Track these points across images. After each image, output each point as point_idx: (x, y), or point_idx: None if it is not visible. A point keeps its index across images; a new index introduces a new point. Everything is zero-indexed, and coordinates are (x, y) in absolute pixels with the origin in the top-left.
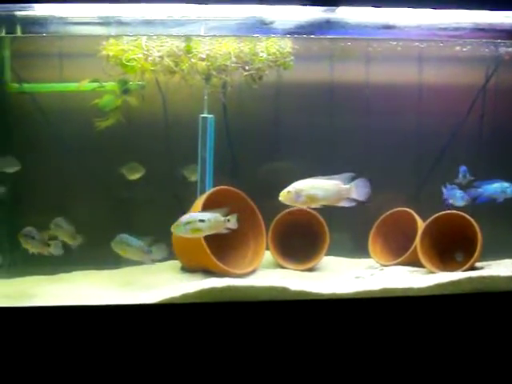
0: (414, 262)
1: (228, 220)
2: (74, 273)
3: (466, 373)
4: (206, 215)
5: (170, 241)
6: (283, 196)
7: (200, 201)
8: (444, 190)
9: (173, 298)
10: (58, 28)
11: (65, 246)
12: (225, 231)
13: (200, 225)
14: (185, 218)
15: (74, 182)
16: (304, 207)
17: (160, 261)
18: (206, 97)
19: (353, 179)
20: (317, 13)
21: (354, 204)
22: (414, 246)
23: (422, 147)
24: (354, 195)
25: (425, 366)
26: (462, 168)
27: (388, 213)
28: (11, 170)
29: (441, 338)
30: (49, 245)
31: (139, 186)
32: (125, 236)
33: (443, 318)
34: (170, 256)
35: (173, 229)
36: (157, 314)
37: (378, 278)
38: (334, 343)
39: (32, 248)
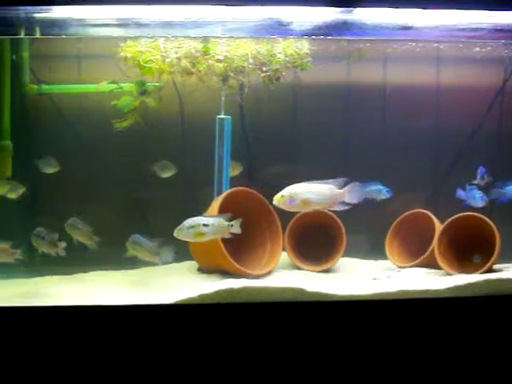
0: (432, 264)
1: (232, 225)
2: (91, 273)
3: (484, 375)
4: (210, 220)
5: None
6: (277, 200)
7: (217, 202)
8: (460, 191)
9: (190, 298)
10: (77, 30)
11: (82, 245)
12: (228, 236)
13: (203, 229)
14: (188, 221)
15: (92, 182)
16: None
17: (175, 262)
18: (223, 98)
19: (345, 183)
20: (334, 14)
21: (346, 207)
22: (431, 247)
23: (440, 148)
24: (348, 199)
25: (442, 368)
26: (481, 169)
27: (405, 214)
28: (51, 170)
29: (458, 340)
30: (57, 245)
31: (157, 186)
32: (137, 236)
33: (460, 321)
34: (183, 257)
35: (175, 232)
36: (174, 315)
37: (395, 280)
38: (350, 345)
39: (42, 248)
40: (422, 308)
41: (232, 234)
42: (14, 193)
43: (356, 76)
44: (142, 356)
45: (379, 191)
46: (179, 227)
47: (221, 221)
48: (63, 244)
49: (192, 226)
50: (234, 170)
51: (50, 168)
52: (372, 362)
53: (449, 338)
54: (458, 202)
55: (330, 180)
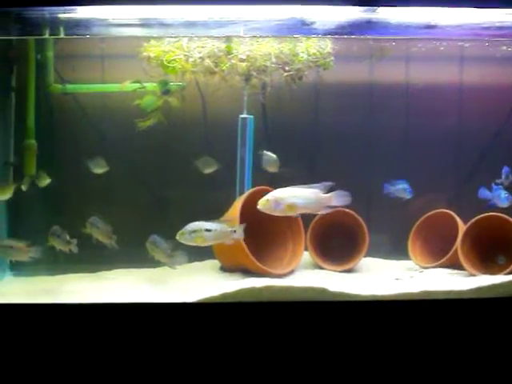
0: (455, 265)
1: (234, 231)
2: (114, 271)
3: (509, 377)
4: (213, 225)
5: None
6: (262, 204)
7: (239, 201)
8: (484, 191)
9: (212, 297)
10: (100, 30)
11: (102, 244)
12: (230, 242)
13: (206, 234)
14: (191, 226)
15: (116, 181)
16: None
17: (198, 260)
18: (245, 97)
19: (331, 189)
20: (357, 13)
21: (330, 210)
22: (454, 248)
23: (463, 148)
24: (334, 203)
25: (466, 370)
26: (505, 169)
27: (428, 214)
28: (100, 170)
29: (482, 342)
30: (70, 243)
31: (179, 185)
32: (155, 237)
33: (484, 322)
34: (205, 256)
35: (178, 236)
36: (196, 313)
37: (417, 281)
38: (373, 345)
39: (57, 245)
40: (445, 309)
41: (234, 239)
42: (41, 182)
43: (379, 75)
44: (164, 354)
45: (404, 190)
46: (181, 231)
47: (224, 226)
48: (75, 241)
49: (194, 231)
50: (273, 167)
51: (99, 168)
52: (395, 362)
53: (472, 340)
54: (481, 202)
55: (316, 184)
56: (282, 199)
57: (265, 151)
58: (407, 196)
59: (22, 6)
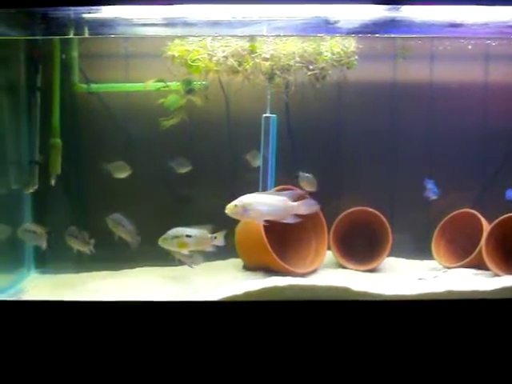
0: (479, 265)
1: (215, 237)
2: (137, 269)
3: None
4: (194, 231)
5: (229, 239)
6: (230, 209)
7: None
8: (510, 192)
9: (235, 295)
10: (125, 29)
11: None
12: (210, 248)
13: (186, 240)
14: (173, 231)
15: (139, 180)
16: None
17: (220, 259)
18: (268, 96)
19: (299, 197)
20: (381, 11)
21: (298, 220)
22: (478, 247)
23: (488, 147)
24: (301, 212)
25: (491, 370)
26: None
27: (453, 214)
28: (122, 175)
29: (506, 342)
30: (88, 243)
31: (203, 184)
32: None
33: (508, 322)
34: (228, 255)
35: (160, 241)
36: (219, 311)
37: (441, 280)
38: (396, 344)
39: (75, 246)
40: (469, 309)
41: (215, 245)
42: (122, 173)
43: (402, 74)
44: (187, 352)
45: (429, 190)
46: (164, 236)
47: (204, 232)
48: (93, 241)
49: (176, 237)
50: (310, 186)
51: (121, 173)
52: (419, 361)
53: (496, 341)
54: (506, 203)
55: (285, 192)
56: (250, 205)
57: (301, 172)
58: (433, 196)
59: (47, 6)
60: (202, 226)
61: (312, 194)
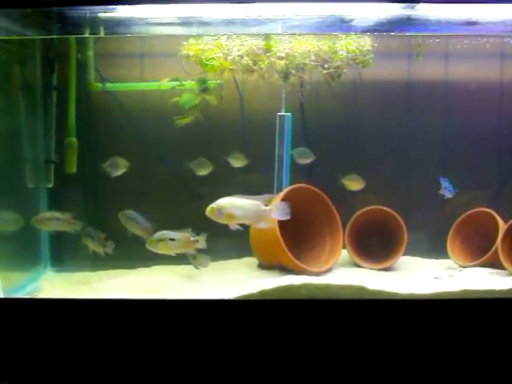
0: (495, 264)
1: (197, 241)
2: (153, 267)
3: None
4: (177, 235)
5: (244, 238)
6: (208, 211)
7: (277, 199)
8: None
9: (251, 294)
10: (140, 29)
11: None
12: (193, 252)
13: (170, 243)
14: (158, 234)
15: (154, 178)
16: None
17: (235, 258)
18: (283, 95)
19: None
20: (397, 10)
21: (271, 225)
22: (494, 247)
23: (504, 146)
24: (273, 217)
25: (509, 368)
26: None
27: (468, 213)
28: (204, 171)
29: None
30: (105, 245)
31: (217, 183)
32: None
33: None
34: (242, 254)
35: (147, 243)
36: (234, 310)
37: (457, 279)
38: (412, 343)
39: (92, 247)
40: (485, 308)
41: (198, 249)
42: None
43: (418, 72)
44: (202, 350)
45: (445, 189)
46: (150, 239)
47: (187, 237)
48: (112, 244)
49: (160, 240)
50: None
51: (202, 169)
52: (435, 360)
53: None
54: None
55: (259, 196)
56: (223, 208)
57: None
58: (448, 195)
59: (63, 6)
60: (183, 229)
61: (328, 193)
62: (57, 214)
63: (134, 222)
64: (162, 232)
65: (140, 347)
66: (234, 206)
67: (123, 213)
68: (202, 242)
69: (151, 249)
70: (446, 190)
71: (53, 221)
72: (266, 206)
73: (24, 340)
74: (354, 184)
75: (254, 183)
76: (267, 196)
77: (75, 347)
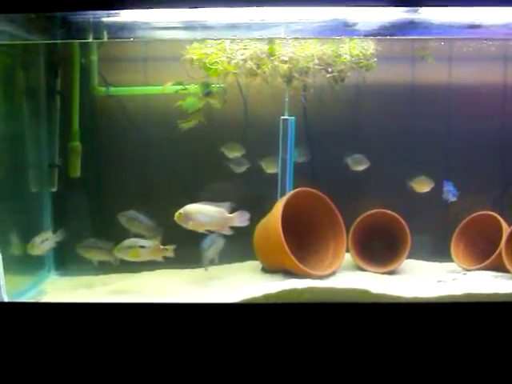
0: (498, 267)
1: (166, 249)
2: (156, 271)
3: None
4: (147, 242)
5: (247, 241)
6: (177, 217)
7: (281, 202)
8: None
9: (254, 297)
10: (143, 33)
11: None
12: (160, 259)
13: (140, 250)
14: (128, 241)
15: (157, 182)
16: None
17: (239, 261)
18: (287, 99)
19: (234, 209)
20: (400, 13)
21: (231, 232)
22: (498, 250)
23: (508, 149)
24: (236, 223)
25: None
26: None
27: (471, 216)
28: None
29: None
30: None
31: (221, 187)
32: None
33: None
34: (246, 257)
35: (115, 250)
36: (237, 314)
37: (461, 283)
38: (415, 347)
39: (97, 257)
40: (489, 312)
41: (165, 257)
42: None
43: (421, 76)
44: (205, 354)
45: (449, 192)
46: (119, 245)
47: (157, 244)
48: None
49: (130, 247)
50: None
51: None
52: (438, 364)
53: None
54: None
55: (224, 203)
56: (190, 214)
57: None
58: (451, 198)
59: (67, 11)
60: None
61: (331, 197)
62: (99, 243)
63: (136, 221)
64: (132, 239)
65: (144, 351)
66: (200, 213)
67: (124, 213)
68: (170, 251)
69: (119, 256)
70: (450, 193)
71: (93, 250)
72: (230, 213)
73: (28, 344)
74: (423, 186)
75: (258, 187)
76: (230, 204)
77: (79, 351)
